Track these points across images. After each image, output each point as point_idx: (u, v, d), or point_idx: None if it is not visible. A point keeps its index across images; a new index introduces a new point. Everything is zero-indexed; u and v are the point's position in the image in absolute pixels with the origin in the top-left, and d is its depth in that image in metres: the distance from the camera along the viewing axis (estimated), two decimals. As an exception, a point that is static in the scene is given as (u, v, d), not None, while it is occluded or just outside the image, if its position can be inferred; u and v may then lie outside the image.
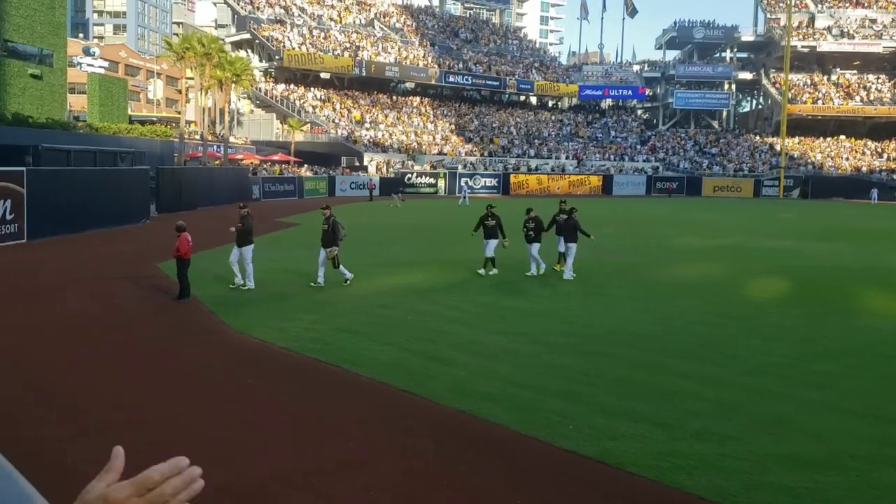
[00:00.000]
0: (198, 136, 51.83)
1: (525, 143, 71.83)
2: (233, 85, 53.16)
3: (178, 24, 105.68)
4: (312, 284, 15.78)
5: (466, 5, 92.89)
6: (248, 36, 67.10)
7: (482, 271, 17.65)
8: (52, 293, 14.68)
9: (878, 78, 77.59)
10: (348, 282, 15.99)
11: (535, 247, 17.66)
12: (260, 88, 64.63)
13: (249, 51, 67.49)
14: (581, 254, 17.71)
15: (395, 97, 72.33)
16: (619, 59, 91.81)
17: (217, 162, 48.57)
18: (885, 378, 9.86)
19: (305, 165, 56.15)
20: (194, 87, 53.27)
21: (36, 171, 22.57)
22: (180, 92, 65.75)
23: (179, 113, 59.67)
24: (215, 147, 51.53)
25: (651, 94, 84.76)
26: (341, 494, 6.15)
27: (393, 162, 60.33)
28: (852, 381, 9.65)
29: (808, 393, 9.08)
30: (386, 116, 67.98)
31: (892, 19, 77.97)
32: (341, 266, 16.10)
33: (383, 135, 64.45)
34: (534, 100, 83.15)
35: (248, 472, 6.53)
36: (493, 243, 17.60)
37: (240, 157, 52.92)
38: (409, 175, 58.64)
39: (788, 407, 8.55)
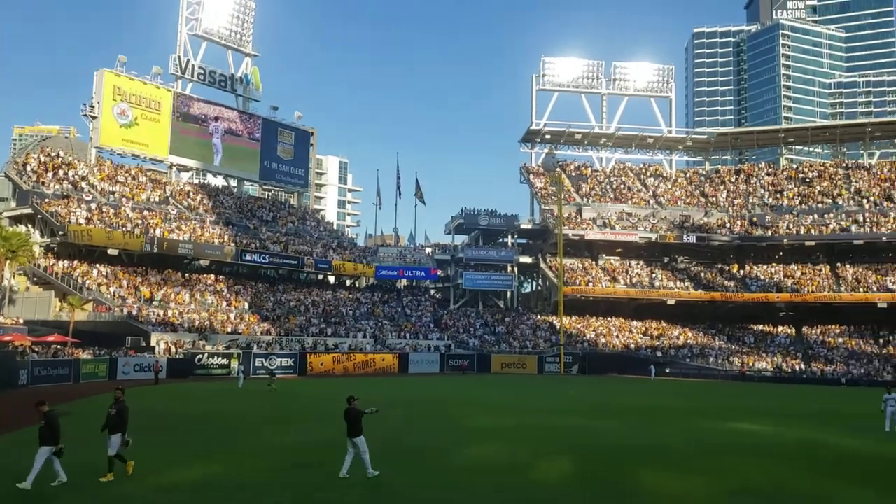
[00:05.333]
0: (-41, 316, 47.10)
1: (322, 322, 72.03)
2: (7, 262, 49.65)
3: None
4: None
5: (265, 187, 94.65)
6: (29, 210, 63.49)
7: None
8: None
9: (638, 263, 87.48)
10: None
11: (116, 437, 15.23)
12: (39, 265, 60.56)
13: (30, 225, 63.69)
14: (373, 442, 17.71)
15: (188, 275, 70.52)
16: (412, 243, 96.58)
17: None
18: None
19: (85, 347, 52.26)
20: (-39, 262, 49.08)
21: None
22: (-57, 267, 59.97)
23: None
24: (-21, 328, 46.98)
25: (443, 275, 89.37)
26: None
27: (183, 342, 57.80)
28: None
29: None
30: (178, 294, 65.80)
31: (645, 214, 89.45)
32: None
33: (173, 313, 62.01)
34: (332, 279, 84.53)
35: None
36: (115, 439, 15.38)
37: (8, 338, 48.39)
38: (200, 356, 56.31)
39: None
